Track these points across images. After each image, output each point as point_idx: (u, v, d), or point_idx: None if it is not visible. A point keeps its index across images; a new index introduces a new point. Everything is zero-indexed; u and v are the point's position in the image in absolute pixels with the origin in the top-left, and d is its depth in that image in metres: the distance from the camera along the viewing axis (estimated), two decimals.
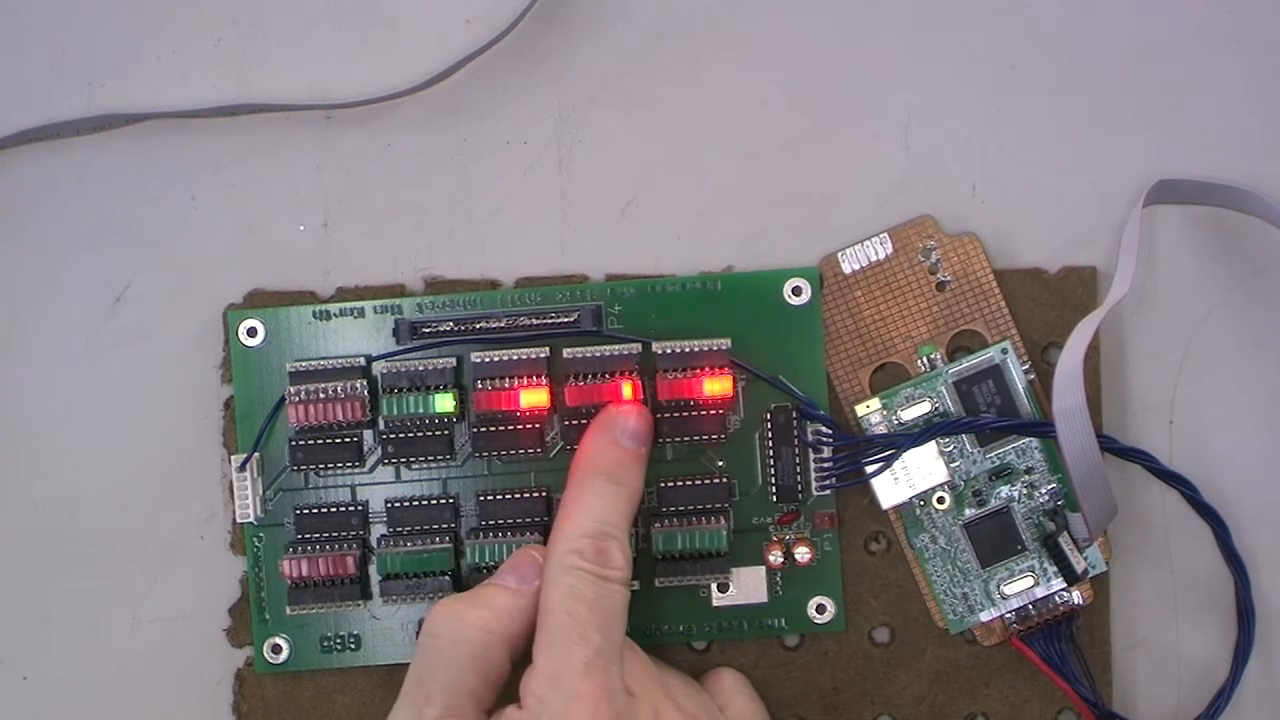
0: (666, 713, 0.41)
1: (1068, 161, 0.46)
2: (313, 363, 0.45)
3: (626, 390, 0.44)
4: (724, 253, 0.46)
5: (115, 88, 0.47)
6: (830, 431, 0.45)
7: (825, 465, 0.45)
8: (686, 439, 0.45)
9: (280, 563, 0.45)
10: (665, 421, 0.45)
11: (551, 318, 0.45)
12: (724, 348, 0.44)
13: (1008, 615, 0.46)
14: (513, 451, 0.45)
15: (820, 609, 0.46)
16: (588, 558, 0.41)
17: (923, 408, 0.46)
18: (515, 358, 0.45)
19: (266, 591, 0.46)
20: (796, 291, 0.46)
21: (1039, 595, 0.45)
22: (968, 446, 0.46)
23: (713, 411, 0.45)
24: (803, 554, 0.45)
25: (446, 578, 0.45)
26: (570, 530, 0.42)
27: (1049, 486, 0.45)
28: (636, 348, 0.45)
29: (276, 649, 0.46)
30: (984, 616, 0.46)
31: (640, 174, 0.47)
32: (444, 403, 0.45)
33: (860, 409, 0.46)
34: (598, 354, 0.45)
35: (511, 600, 0.42)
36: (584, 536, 0.41)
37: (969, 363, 0.46)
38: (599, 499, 0.42)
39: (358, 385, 0.45)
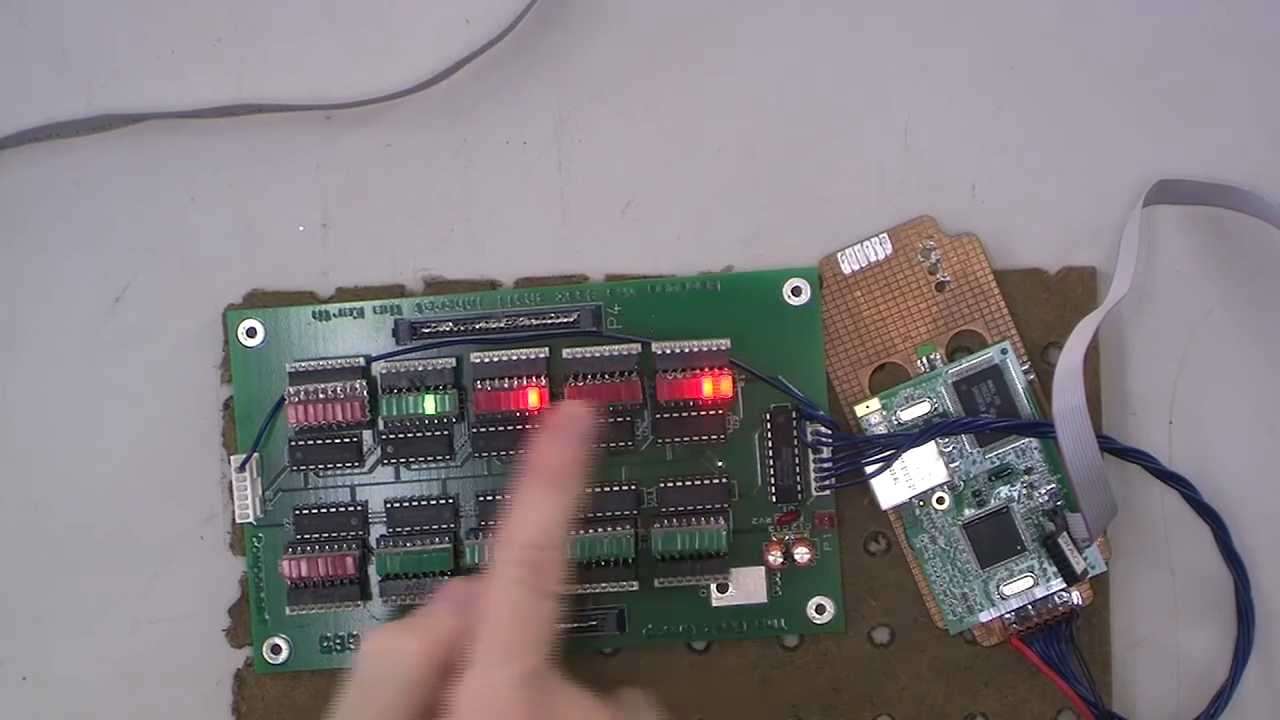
0: None
1: (1068, 161, 0.46)
2: (312, 363, 0.45)
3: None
4: (724, 253, 0.46)
5: (115, 88, 0.47)
6: (830, 432, 0.45)
7: (825, 465, 0.45)
8: (686, 439, 0.45)
9: (280, 563, 0.45)
10: (665, 421, 0.45)
11: (551, 318, 0.45)
12: (724, 348, 0.44)
13: (1007, 615, 0.46)
14: (512, 451, 0.45)
15: (820, 609, 0.46)
16: (530, 570, 0.40)
17: (922, 408, 0.46)
18: (515, 358, 0.45)
19: (266, 592, 0.46)
20: (796, 292, 0.46)
21: (1038, 595, 0.45)
22: (967, 447, 0.45)
23: (712, 412, 0.45)
24: (802, 554, 0.45)
25: (446, 578, 0.45)
26: (516, 537, 0.41)
27: (1049, 487, 0.45)
28: (636, 348, 0.45)
29: (276, 649, 0.46)
30: (983, 617, 0.46)
31: (640, 174, 0.47)
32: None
33: (860, 409, 0.46)
34: (597, 354, 0.45)
35: (446, 630, 0.41)
36: (528, 546, 0.40)
37: (969, 363, 0.46)
38: (545, 505, 0.41)
39: (357, 385, 0.45)
